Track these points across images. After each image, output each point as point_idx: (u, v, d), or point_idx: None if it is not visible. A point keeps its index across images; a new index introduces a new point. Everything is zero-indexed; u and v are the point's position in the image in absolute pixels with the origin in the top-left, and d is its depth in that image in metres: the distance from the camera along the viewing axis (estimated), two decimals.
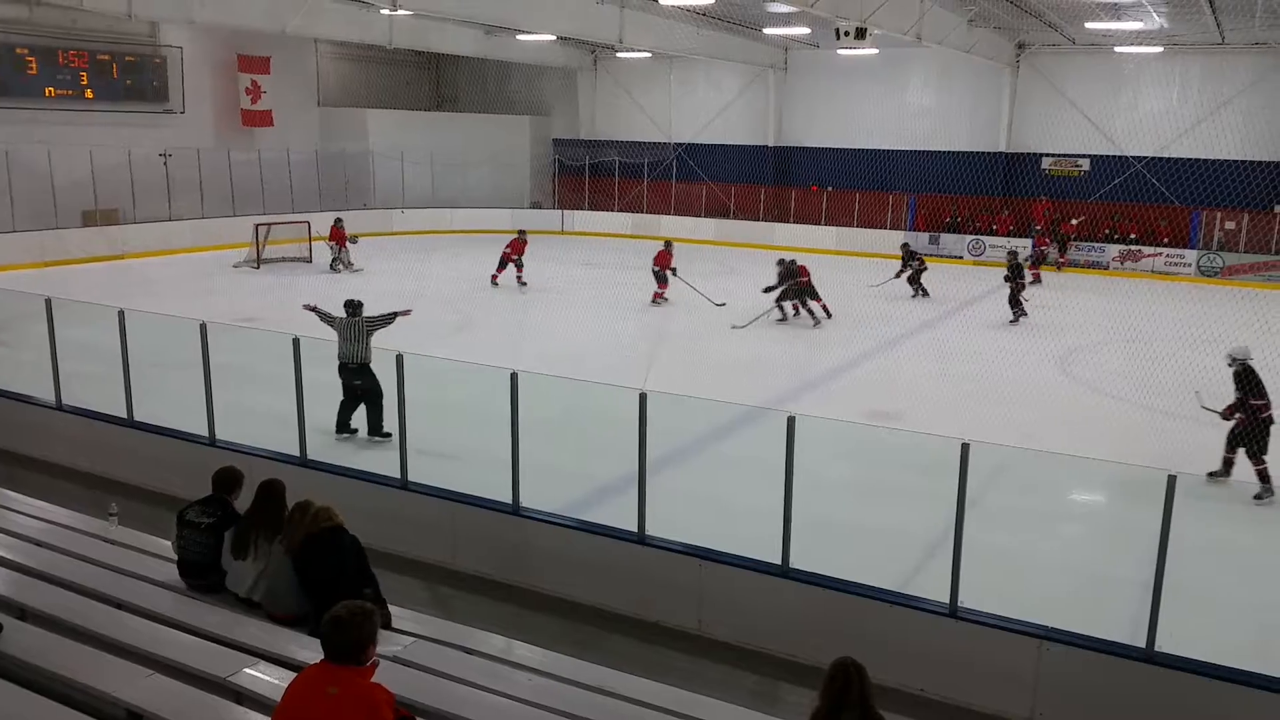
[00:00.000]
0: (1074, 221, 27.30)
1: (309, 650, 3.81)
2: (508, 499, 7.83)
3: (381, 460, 8.35)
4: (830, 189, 30.82)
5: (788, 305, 18.79)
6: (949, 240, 29.03)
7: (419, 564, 7.96)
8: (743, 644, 6.96)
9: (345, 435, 10.45)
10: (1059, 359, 15.80)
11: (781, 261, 18.90)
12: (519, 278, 21.69)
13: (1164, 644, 5.90)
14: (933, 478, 7.33)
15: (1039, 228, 26.72)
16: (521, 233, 22.17)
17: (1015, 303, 19.02)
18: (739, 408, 10.94)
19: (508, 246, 21.79)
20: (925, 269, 22.05)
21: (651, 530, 7.35)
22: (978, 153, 28.89)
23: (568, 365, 10.77)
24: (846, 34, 18.82)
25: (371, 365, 10.39)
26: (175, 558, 6.16)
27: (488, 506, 7.96)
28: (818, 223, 30.62)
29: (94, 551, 6.54)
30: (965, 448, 6.21)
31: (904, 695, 6.30)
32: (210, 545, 5.96)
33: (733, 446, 11.12)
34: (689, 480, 9.97)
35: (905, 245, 23.18)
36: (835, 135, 30.89)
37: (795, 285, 18.49)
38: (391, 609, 5.94)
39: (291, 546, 5.67)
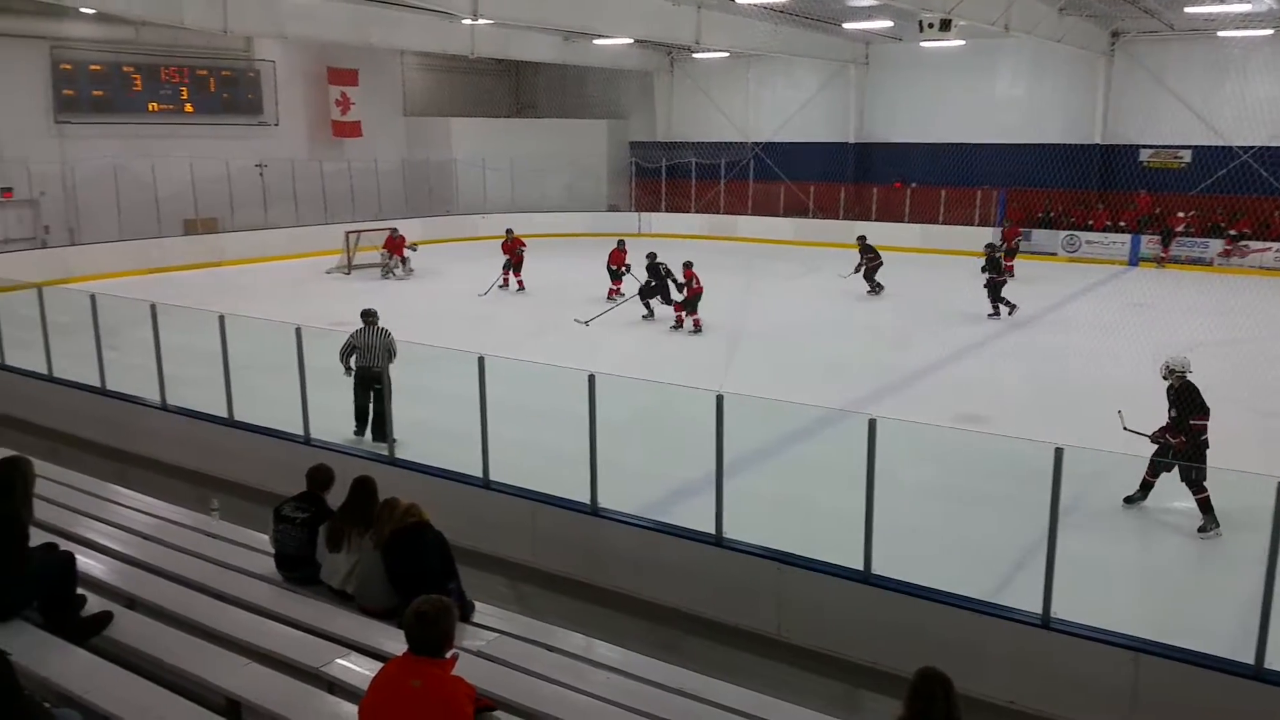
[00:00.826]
0: (1181, 215, 26.28)
1: (397, 643, 3.94)
2: (586, 499, 7.92)
3: (465, 460, 8.50)
4: (914, 185, 30.28)
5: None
6: (1042, 236, 28.23)
7: (501, 561, 8.10)
8: (823, 650, 6.92)
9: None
10: (1159, 360, 15.21)
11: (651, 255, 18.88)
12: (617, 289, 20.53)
13: (1276, 661, 5.67)
14: (1024, 484, 7.18)
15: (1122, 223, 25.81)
16: (621, 242, 21.41)
17: (996, 297, 18.63)
18: (819, 410, 10.85)
19: (611, 261, 20.82)
20: (880, 264, 21.23)
21: (729, 533, 7.36)
22: (1071, 145, 27.92)
23: (645, 367, 10.85)
24: (930, 26, 18.51)
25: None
26: (272, 551, 6.40)
27: (567, 506, 8.07)
28: (901, 220, 30.15)
29: (196, 545, 6.82)
30: (1059, 453, 6.06)
31: (993, 707, 6.20)
32: (305, 539, 6.18)
33: (812, 450, 11.04)
34: (767, 483, 9.94)
35: (861, 238, 21.88)
36: (919, 130, 30.28)
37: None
38: (475, 604, 6.08)
39: (380, 541, 5.85)
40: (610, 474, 7.94)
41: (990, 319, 18.46)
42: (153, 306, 10.87)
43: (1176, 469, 8.85)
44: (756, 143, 33.59)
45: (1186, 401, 8.89)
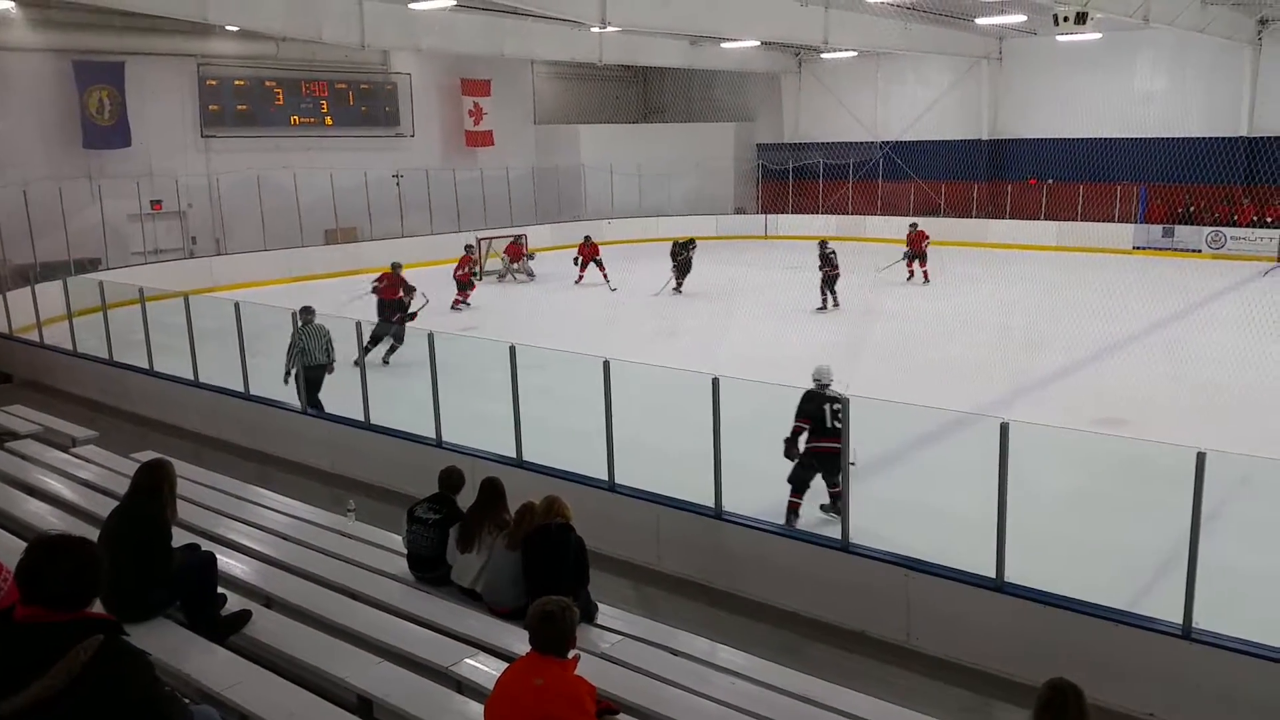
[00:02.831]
0: None
1: (525, 643, 4.00)
2: (710, 503, 7.91)
3: (589, 462, 8.59)
4: (1050, 182, 29.22)
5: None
6: (1185, 233, 26.94)
7: (626, 564, 8.14)
8: (954, 659, 6.73)
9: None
10: None
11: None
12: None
13: None
14: (1165, 490, 6.84)
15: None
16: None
17: (827, 291, 19.56)
18: (948, 414, 10.57)
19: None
20: (838, 275, 19.99)
21: (856, 538, 7.24)
22: (1215, 138, 26.57)
23: (771, 369, 10.74)
24: (1066, 19, 17.86)
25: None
26: (405, 551, 6.60)
27: (691, 510, 8.06)
28: (1037, 217, 29.11)
29: (332, 545, 7.06)
30: (1201, 457, 5.75)
31: (1131, 719, 5.93)
32: (437, 540, 6.35)
33: (942, 454, 10.76)
34: (895, 488, 9.73)
35: (822, 244, 20.51)
36: (1055, 125, 29.24)
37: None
38: (600, 606, 6.14)
39: (517, 541, 5.96)
40: (734, 477, 7.90)
41: (819, 312, 19.61)
42: (294, 315, 11.36)
43: None
44: (885, 142, 32.99)
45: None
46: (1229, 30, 24.39)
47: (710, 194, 34.23)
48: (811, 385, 8.89)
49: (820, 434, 8.62)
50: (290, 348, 11.54)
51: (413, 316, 15.45)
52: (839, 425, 8.16)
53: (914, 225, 23.78)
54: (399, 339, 14.77)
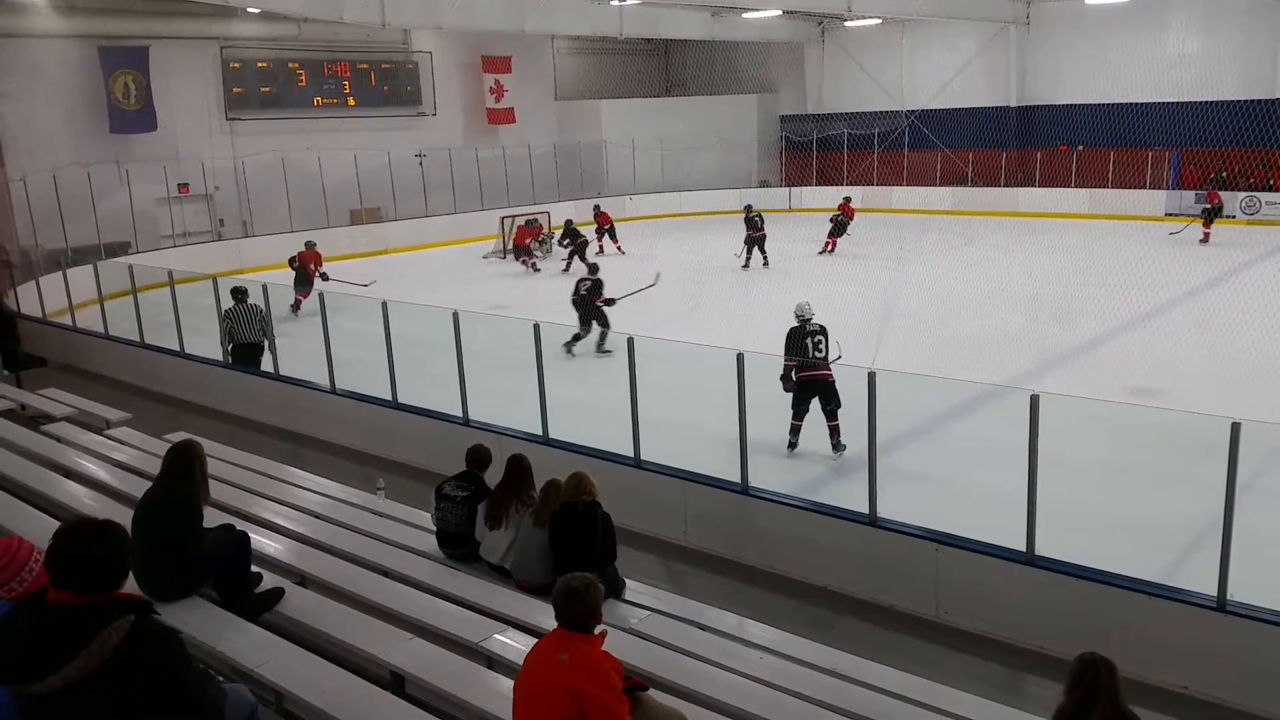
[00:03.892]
0: None
1: (553, 619, 4.02)
2: (737, 478, 7.90)
3: (616, 439, 8.61)
4: (1081, 148, 28.78)
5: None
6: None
7: (653, 540, 8.16)
8: (984, 632, 6.70)
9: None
10: None
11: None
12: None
13: None
14: (1200, 461, 6.76)
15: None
16: (531, 220, 23.88)
17: (754, 250, 20.60)
18: (978, 386, 10.48)
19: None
20: (763, 236, 20.88)
21: (884, 512, 7.21)
22: (1251, 101, 25.91)
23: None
24: None
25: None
26: (434, 529, 6.65)
27: (718, 485, 8.06)
28: (1067, 185, 28.72)
29: (363, 523, 7.11)
30: (1236, 427, 5.68)
31: (1165, 693, 5.89)
32: (465, 517, 6.39)
33: (971, 427, 10.68)
34: (924, 462, 9.67)
35: (748, 207, 22.22)
36: (1085, 90, 28.71)
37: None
38: (627, 582, 6.16)
39: (545, 518, 5.99)
40: (761, 452, 7.89)
41: (743, 269, 20.73)
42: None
43: None
44: (911, 110, 32.56)
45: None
46: None
47: (733, 167, 34.00)
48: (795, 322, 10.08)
49: (805, 365, 9.73)
50: (221, 328, 12.24)
51: (611, 302, 14.36)
52: (820, 355, 9.75)
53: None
54: (604, 323, 14.25)
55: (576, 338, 14.19)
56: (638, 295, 14.39)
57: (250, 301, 12.20)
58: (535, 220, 24.43)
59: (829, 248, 23.33)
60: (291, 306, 16.91)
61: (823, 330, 10.00)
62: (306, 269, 18.53)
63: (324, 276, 18.25)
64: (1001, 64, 30.82)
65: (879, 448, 7.20)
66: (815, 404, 9.85)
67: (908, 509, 7.33)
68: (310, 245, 19.42)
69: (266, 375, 11.92)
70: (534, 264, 22.82)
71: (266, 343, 12.20)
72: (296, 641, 5.03)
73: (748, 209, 22.05)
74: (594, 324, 14.32)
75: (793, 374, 9.80)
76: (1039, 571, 6.50)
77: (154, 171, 23.38)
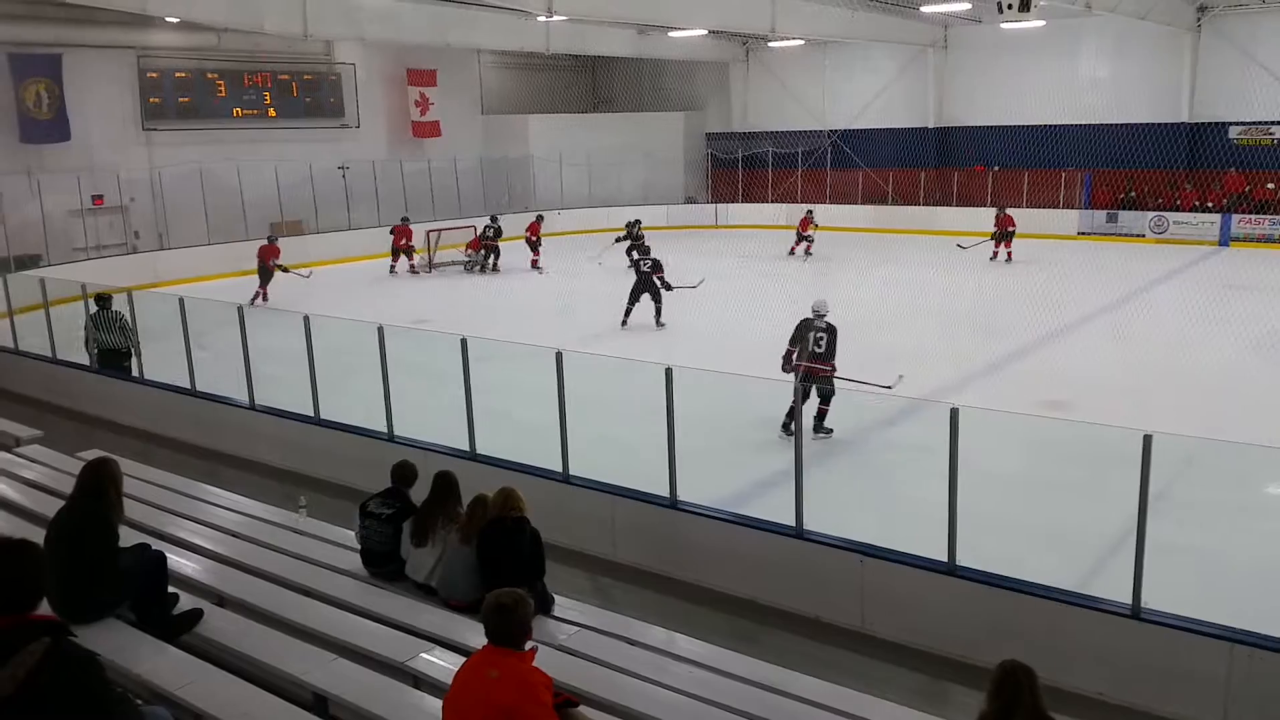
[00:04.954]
0: (1270, 186, 25.36)
1: (482, 636, 3.98)
2: (665, 493, 7.92)
3: (544, 455, 8.57)
4: (997, 169, 29.64)
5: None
6: (1129, 218, 27.47)
7: (580, 555, 8.12)
8: (908, 642, 6.81)
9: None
10: (1257, 344, 14.62)
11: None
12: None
13: None
14: (1111, 472, 6.98)
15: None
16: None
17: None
18: (899, 400, 10.68)
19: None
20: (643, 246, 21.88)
21: (810, 525, 7.29)
22: (1158, 124, 27.04)
23: (724, 358, 10.79)
24: (1010, 7, 18.03)
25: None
26: (358, 547, 6.53)
27: (646, 500, 8.07)
28: (984, 204, 29.51)
29: (285, 542, 6.98)
30: (1148, 439, 5.86)
31: (1082, 699, 6.04)
32: (390, 535, 6.30)
33: (893, 440, 10.88)
34: (847, 474, 9.81)
35: (632, 223, 23.91)
36: (1001, 113, 29.54)
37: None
38: (556, 598, 6.13)
39: (472, 534, 5.92)
40: (689, 466, 7.92)
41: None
42: (240, 309, 11.17)
43: None
44: (834, 130, 33.19)
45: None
46: (1169, 17, 24.85)
47: (660, 184, 34.22)
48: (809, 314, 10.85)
49: (805, 356, 10.57)
50: (85, 333, 12.71)
51: (668, 286, 17.09)
52: (819, 350, 10.57)
53: (1002, 208, 24.68)
54: (659, 299, 16.96)
55: (628, 313, 17.02)
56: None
57: (114, 309, 12.54)
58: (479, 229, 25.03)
59: (804, 250, 25.49)
60: (250, 300, 18.58)
61: (830, 329, 10.77)
62: (265, 263, 20.18)
63: (281, 269, 20.32)
64: (920, 86, 31.59)
65: (806, 459, 7.28)
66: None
67: (833, 521, 7.42)
68: (271, 240, 21.05)
69: (183, 391, 11.60)
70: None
71: (131, 349, 12.46)
72: (216, 663, 4.94)
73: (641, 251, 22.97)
74: (649, 299, 16.90)
75: (792, 359, 10.60)
76: (960, 581, 6.62)
77: (67, 182, 22.62)
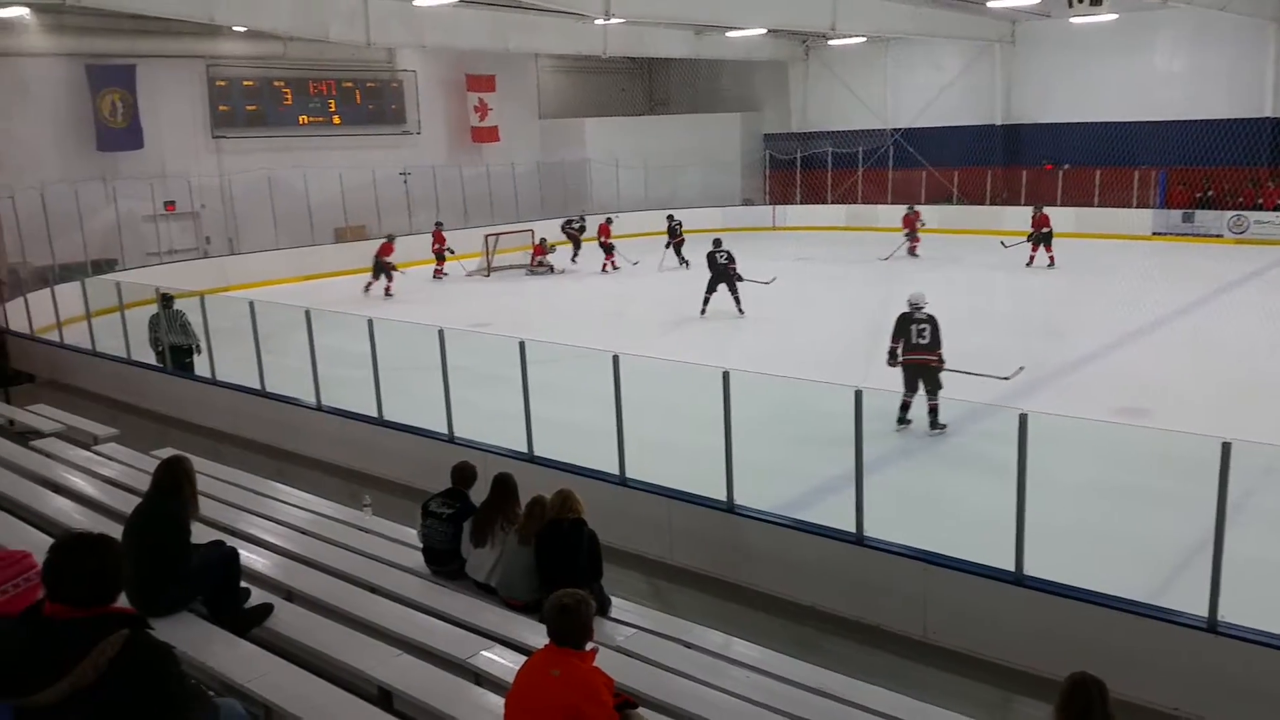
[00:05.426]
0: None
1: (540, 636, 3.99)
2: (723, 497, 7.87)
3: (602, 457, 8.57)
4: (1067, 167, 28.96)
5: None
6: (1206, 217, 26.56)
7: (638, 558, 8.12)
8: (973, 653, 6.66)
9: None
10: None
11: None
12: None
13: None
14: (1188, 481, 6.77)
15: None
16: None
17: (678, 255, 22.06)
18: (965, 405, 10.50)
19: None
20: (682, 241, 22.77)
21: (871, 531, 7.19)
22: (1238, 119, 26.06)
23: (782, 362, 10.73)
24: (1080, 1, 17.68)
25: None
26: (420, 546, 6.61)
27: (703, 504, 8.03)
28: (1054, 203, 28.88)
29: (350, 539, 7.10)
30: (1226, 447, 5.67)
31: (1155, 713, 5.87)
32: (451, 534, 6.37)
33: (958, 446, 10.68)
34: (912, 481, 9.66)
35: (670, 217, 24.46)
36: (1071, 109, 28.88)
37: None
38: (613, 600, 6.12)
39: (530, 536, 5.96)
40: (747, 471, 7.87)
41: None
42: (307, 312, 11.36)
43: None
44: (896, 129, 32.74)
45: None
46: (1251, 8, 23.96)
47: (717, 185, 34.07)
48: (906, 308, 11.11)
49: (909, 348, 10.83)
50: (150, 335, 13.27)
51: (740, 276, 18.08)
52: (923, 341, 10.81)
53: (1039, 208, 23.71)
54: (735, 289, 17.91)
55: (706, 302, 17.97)
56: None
57: (175, 309, 13.18)
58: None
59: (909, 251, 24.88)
60: (364, 288, 21.65)
61: (931, 320, 10.97)
62: (381, 260, 21.97)
63: (393, 267, 22.10)
64: (987, 82, 31.04)
65: (867, 465, 7.18)
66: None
67: (895, 528, 7.30)
68: (390, 238, 22.68)
69: (253, 391, 11.86)
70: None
71: (193, 346, 13.06)
72: (285, 656, 5.02)
73: (670, 218, 24.48)
74: (725, 289, 17.76)
75: (897, 354, 10.86)
76: (1028, 591, 6.46)
77: (141, 189, 23.34)
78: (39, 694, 2.85)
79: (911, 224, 25.22)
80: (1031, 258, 22.81)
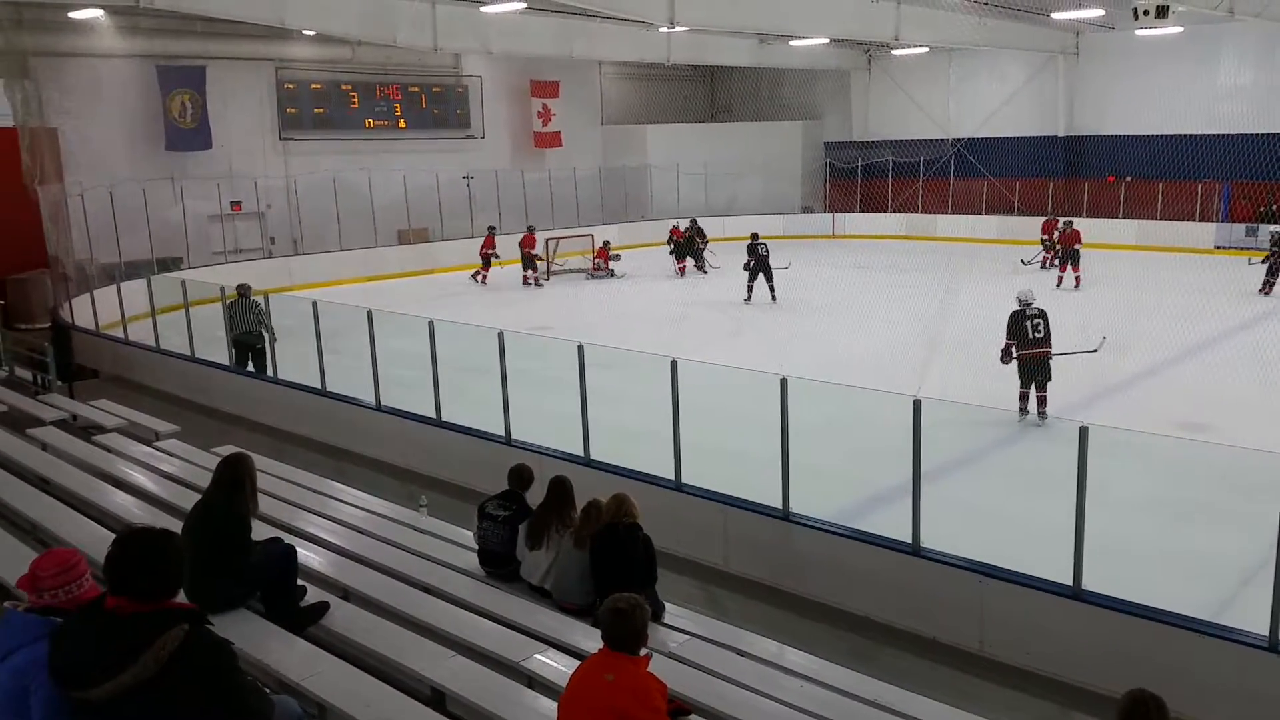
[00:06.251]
0: None
1: (593, 640, 4.01)
2: (778, 504, 7.85)
3: (657, 462, 8.60)
4: (1129, 179, 28.43)
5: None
6: (1270, 232, 25.92)
7: (692, 564, 8.12)
8: (1030, 667, 6.59)
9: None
10: None
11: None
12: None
13: None
14: (1251, 498, 6.62)
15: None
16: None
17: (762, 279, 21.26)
18: (1020, 416, 10.35)
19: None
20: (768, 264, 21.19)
21: (927, 542, 7.13)
22: None
23: (840, 370, 10.66)
24: (1146, 13, 17.35)
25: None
26: (476, 547, 6.68)
27: (758, 511, 8.02)
28: (1115, 216, 28.37)
29: (406, 539, 7.17)
30: None
31: None
32: (507, 536, 6.42)
33: (1018, 457, 10.55)
34: (970, 492, 9.56)
35: (754, 236, 21.77)
36: (1134, 122, 28.36)
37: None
38: (667, 606, 6.14)
39: (585, 539, 6.00)
40: (803, 478, 7.84)
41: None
42: (369, 313, 11.56)
43: None
44: (957, 139, 32.41)
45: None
46: None
47: (777, 193, 33.98)
48: (1016, 307, 11.72)
49: (1025, 344, 11.42)
50: (227, 320, 13.44)
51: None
52: (1039, 335, 11.42)
53: (1068, 222, 22.87)
54: (771, 280, 20.11)
55: (750, 289, 20.38)
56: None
57: (251, 298, 13.41)
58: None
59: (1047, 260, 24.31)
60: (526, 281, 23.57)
61: (1042, 314, 11.63)
62: (524, 250, 23.69)
63: (537, 257, 24.06)
64: (1049, 93, 30.61)
65: (925, 475, 7.13)
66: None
67: (952, 539, 7.24)
68: (531, 229, 24.30)
69: (313, 391, 12.06)
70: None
71: (267, 337, 13.17)
72: (340, 655, 5.07)
73: (754, 236, 21.58)
74: (764, 279, 19.94)
75: (1013, 351, 11.44)
76: (1086, 606, 6.38)
77: (208, 189, 23.83)
78: (100, 687, 2.87)
79: (1050, 231, 24.42)
80: (1060, 278, 22.01)
